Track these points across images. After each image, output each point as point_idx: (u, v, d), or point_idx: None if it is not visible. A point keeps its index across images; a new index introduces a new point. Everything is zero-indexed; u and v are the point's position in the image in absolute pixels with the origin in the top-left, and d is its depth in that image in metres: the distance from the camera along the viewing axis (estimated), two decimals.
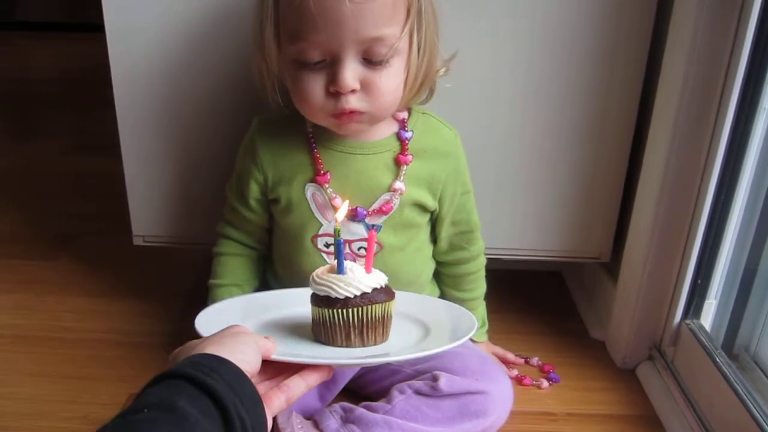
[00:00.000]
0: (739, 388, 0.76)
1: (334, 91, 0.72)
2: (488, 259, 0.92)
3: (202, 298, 0.89)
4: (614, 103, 0.92)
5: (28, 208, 1.39)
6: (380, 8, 0.69)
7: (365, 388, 0.86)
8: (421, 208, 0.83)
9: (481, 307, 0.93)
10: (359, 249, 0.82)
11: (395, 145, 0.81)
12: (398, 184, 0.80)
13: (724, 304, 0.89)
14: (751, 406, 0.73)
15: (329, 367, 0.64)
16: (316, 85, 0.72)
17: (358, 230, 0.81)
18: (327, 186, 0.80)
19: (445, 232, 0.87)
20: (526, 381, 0.92)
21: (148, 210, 0.99)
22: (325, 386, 0.83)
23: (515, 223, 0.99)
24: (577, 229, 1.00)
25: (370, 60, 0.71)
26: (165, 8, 0.87)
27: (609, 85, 0.91)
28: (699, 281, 0.87)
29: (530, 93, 0.92)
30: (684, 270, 0.88)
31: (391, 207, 0.81)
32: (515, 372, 0.94)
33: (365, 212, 0.81)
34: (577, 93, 0.92)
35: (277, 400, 0.59)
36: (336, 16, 0.68)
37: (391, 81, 0.73)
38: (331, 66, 0.71)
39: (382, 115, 0.77)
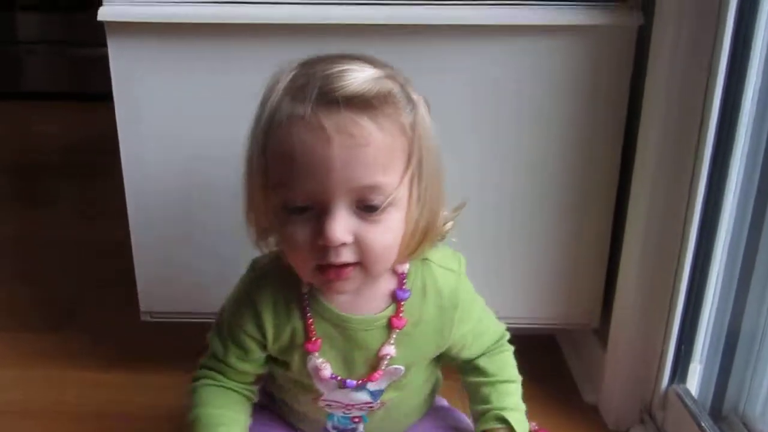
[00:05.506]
0: None
1: (322, 244, 0.63)
2: None
3: None
4: (595, 176, 0.97)
5: (29, 278, 1.41)
6: (374, 155, 0.61)
7: None
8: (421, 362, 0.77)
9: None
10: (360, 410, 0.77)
11: (390, 310, 0.72)
12: (387, 349, 0.72)
13: (710, 366, 0.93)
14: None
15: None
16: (303, 235, 0.63)
17: (361, 396, 0.75)
18: (316, 355, 0.73)
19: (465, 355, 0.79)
20: None
21: (155, 287, 1.02)
22: None
23: (506, 294, 1.02)
24: (566, 298, 1.03)
25: (364, 209, 0.63)
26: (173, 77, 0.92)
27: (589, 160, 0.96)
28: (683, 347, 0.91)
29: (514, 170, 0.97)
30: (668, 336, 0.91)
31: (378, 376, 0.73)
32: None
33: (354, 383, 0.73)
34: (558, 167, 0.97)
35: None
36: (324, 165, 0.60)
37: (387, 235, 0.64)
38: (320, 215, 0.63)
39: (376, 272, 0.67)
